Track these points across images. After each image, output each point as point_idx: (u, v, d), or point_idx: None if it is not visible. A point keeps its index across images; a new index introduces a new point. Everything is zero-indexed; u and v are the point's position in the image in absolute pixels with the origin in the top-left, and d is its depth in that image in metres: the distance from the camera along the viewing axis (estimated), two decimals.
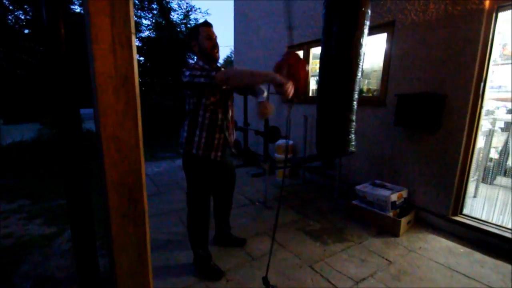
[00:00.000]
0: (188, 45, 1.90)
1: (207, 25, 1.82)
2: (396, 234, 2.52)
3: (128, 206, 0.82)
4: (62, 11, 0.76)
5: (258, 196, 3.45)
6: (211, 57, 1.81)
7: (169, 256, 2.18)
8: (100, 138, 0.77)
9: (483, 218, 2.48)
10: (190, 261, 2.06)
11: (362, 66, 1.50)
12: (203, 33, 1.79)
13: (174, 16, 11.90)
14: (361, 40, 1.43)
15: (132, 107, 0.79)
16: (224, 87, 1.68)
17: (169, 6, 11.54)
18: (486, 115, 2.89)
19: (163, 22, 11.44)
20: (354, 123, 1.53)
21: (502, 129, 3.31)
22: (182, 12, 11.96)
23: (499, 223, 2.39)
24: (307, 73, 1.63)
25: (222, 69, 1.78)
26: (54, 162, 4.70)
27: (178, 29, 11.61)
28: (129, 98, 0.78)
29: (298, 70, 1.58)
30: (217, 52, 1.81)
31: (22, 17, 8.83)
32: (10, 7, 8.54)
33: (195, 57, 1.94)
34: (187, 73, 1.69)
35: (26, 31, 8.78)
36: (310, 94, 4.18)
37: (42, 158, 4.78)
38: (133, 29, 0.76)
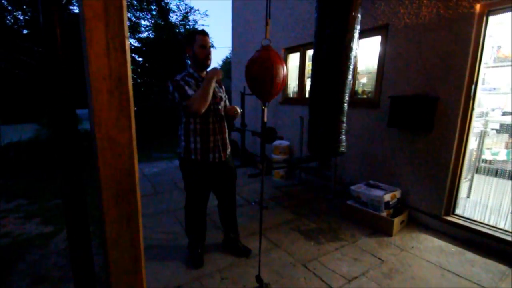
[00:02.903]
0: (183, 49, 1.97)
1: (203, 33, 1.86)
2: (389, 233, 2.55)
3: (121, 204, 0.85)
4: (58, 10, 0.79)
5: (254, 196, 3.47)
6: (202, 65, 1.89)
7: (164, 254, 2.21)
8: (94, 137, 0.80)
9: (476, 218, 2.52)
10: (185, 259, 2.09)
11: (353, 69, 1.53)
12: (199, 41, 1.84)
13: (173, 17, 11.94)
14: (352, 43, 1.47)
15: (126, 108, 0.82)
16: (201, 112, 1.73)
17: (168, 7, 11.58)
18: (479, 116, 2.93)
19: (162, 23, 11.47)
20: (344, 125, 1.56)
21: (497, 131, 3.34)
22: (181, 13, 12.00)
23: (491, 223, 2.43)
24: (284, 71, 1.44)
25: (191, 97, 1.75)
26: (51, 162, 4.72)
27: (177, 30, 11.64)
28: (122, 99, 0.81)
29: (271, 67, 1.40)
30: (209, 60, 1.89)
31: (21, 18, 8.86)
32: (9, 8, 8.56)
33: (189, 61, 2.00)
34: (170, 88, 1.80)
35: (25, 31, 8.80)
36: (307, 95, 4.23)
37: (40, 158, 4.80)
38: (126, 33, 0.79)
